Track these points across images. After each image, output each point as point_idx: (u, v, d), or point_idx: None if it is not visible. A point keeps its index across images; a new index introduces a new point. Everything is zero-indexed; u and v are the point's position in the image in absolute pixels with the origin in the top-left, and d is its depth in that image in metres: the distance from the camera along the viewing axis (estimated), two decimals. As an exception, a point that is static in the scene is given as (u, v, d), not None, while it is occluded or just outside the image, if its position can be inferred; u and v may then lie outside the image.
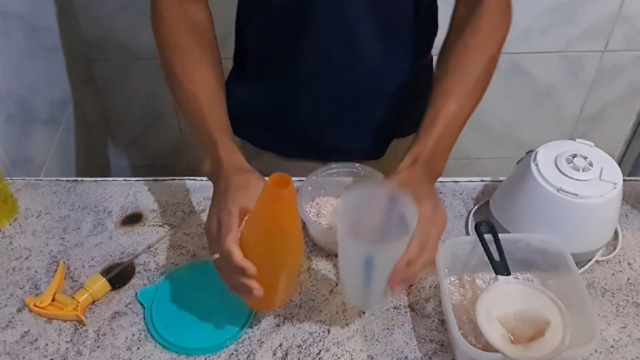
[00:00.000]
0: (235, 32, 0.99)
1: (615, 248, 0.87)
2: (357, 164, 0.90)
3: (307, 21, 0.85)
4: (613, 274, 0.84)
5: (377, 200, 0.68)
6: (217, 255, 0.68)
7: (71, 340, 0.77)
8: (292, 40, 0.88)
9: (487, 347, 0.70)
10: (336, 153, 0.93)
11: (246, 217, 0.68)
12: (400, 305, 0.80)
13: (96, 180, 0.98)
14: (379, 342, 0.76)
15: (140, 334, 0.77)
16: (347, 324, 0.78)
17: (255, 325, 0.78)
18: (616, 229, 0.88)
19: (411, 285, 0.81)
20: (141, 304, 0.80)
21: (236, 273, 0.66)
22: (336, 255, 0.84)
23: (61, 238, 0.89)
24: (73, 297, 0.79)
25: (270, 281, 0.69)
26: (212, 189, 0.97)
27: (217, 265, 0.70)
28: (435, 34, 0.98)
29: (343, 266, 0.73)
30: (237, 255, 0.65)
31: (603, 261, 0.86)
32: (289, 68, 0.93)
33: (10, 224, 0.91)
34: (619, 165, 0.85)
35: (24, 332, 0.77)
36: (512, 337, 0.72)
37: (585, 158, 0.82)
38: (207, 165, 0.78)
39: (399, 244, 0.65)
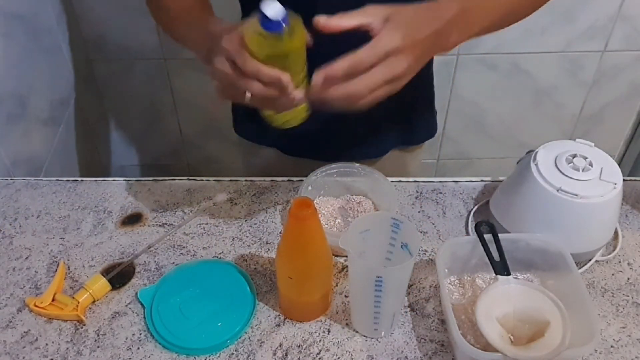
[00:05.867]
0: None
1: (615, 248, 0.87)
2: (357, 164, 0.90)
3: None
4: (613, 274, 0.84)
5: (381, 226, 0.72)
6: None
7: (71, 340, 0.77)
8: None
9: (487, 347, 0.70)
10: (338, 151, 0.93)
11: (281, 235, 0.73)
12: (400, 305, 0.80)
13: (96, 180, 0.98)
14: (379, 342, 0.76)
15: (140, 334, 0.77)
16: (347, 324, 0.78)
17: (255, 325, 0.78)
18: (616, 229, 0.88)
19: None
20: (141, 304, 0.80)
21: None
22: (336, 255, 0.84)
23: (61, 238, 0.89)
24: (73, 297, 0.79)
25: (306, 291, 0.75)
26: (212, 189, 0.98)
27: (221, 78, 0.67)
28: None
29: (354, 289, 0.76)
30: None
31: (603, 261, 0.86)
32: None
33: (10, 224, 0.91)
34: (619, 165, 0.85)
35: (24, 332, 0.78)
36: (512, 337, 0.72)
37: (585, 158, 0.82)
38: (199, 42, 0.76)
39: (405, 267, 0.68)
